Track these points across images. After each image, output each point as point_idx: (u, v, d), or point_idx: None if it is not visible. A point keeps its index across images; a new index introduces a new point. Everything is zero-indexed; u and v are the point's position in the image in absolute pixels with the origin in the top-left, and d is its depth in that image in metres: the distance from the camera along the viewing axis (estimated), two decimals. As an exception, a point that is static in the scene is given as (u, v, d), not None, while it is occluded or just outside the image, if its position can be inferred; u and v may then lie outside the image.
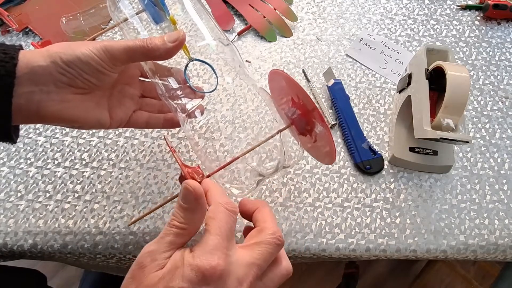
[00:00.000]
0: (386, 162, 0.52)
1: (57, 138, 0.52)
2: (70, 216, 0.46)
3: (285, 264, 0.31)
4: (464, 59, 0.62)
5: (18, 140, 0.35)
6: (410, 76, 0.51)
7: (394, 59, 0.61)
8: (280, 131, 0.39)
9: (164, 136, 0.45)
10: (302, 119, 0.39)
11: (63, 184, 0.48)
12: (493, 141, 0.54)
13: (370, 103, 0.57)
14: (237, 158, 0.37)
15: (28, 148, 0.51)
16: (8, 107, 0.30)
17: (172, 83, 0.39)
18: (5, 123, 0.31)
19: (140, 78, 0.42)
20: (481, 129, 0.55)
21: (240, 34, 0.62)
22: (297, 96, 0.38)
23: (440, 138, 0.42)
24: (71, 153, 0.51)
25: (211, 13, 0.63)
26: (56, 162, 0.50)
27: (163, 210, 0.47)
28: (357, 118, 0.54)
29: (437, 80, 0.46)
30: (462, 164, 0.52)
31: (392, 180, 0.51)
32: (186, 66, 0.38)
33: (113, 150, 0.51)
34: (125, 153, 0.51)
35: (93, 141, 0.52)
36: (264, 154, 0.42)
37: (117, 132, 0.52)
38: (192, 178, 0.32)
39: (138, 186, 0.48)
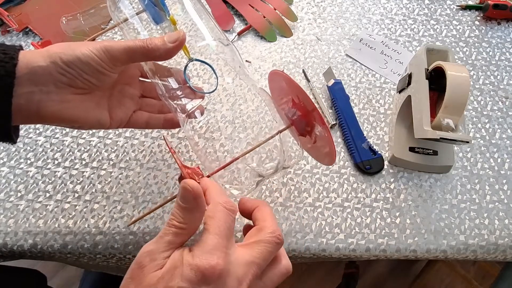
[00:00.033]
0: (386, 162, 0.52)
1: (57, 138, 0.52)
2: (70, 216, 0.46)
3: (285, 263, 0.31)
4: (464, 59, 0.62)
5: (18, 140, 0.35)
6: (410, 76, 0.51)
7: (394, 59, 0.61)
8: (280, 131, 0.39)
9: (163, 136, 0.45)
10: (302, 120, 0.39)
11: (63, 184, 0.48)
12: (493, 141, 0.54)
13: (370, 103, 0.57)
14: (237, 158, 0.37)
15: (28, 148, 0.51)
16: (8, 107, 0.30)
17: (172, 83, 0.39)
18: (5, 123, 0.31)
19: (140, 79, 0.42)
20: (481, 129, 0.55)
21: (240, 34, 0.62)
22: (297, 96, 0.38)
23: (440, 138, 0.42)
24: (71, 153, 0.51)
25: (211, 13, 0.63)
26: (56, 162, 0.50)
27: (163, 210, 0.47)
28: (357, 118, 0.54)
29: (437, 80, 0.46)
30: (462, 164, 0.52)
31: (392, 180, 0.51)
32: (186, 66, 0.38)
33: (113, 150, 0.51)
34: (125, 153, 0.51)
35: (93, 141, 0.52)
36: (264, 155, 0.42)
37: (117, 132, 0.52)
38: (191, 179, 0.32)
39: (138, 186, 0.48)
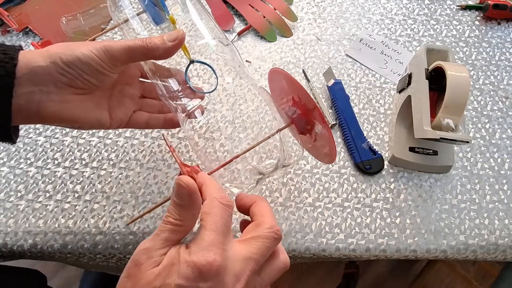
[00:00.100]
0: (386, 162, 0.52)
1: (57, 138, 0.52)
2: (70, 216, 0.46)
3: (283, 258, 0.31)
4: (464, 59, 0.62)
5: (18, 140, 0.35)
6: (410, 76, 0.51)
7: (394, 59, 0.61)
8: (280, 130, 0.39)
9: (163, 135, 0.45)
10: (302, 118, 0.39)
11: (63, 184, 0.48)
12: (493, 141, 0.54)
13: (370, 103, 0.57)
14: (237, 156, 0.37)
15: (28, 148, 0.51)
16: (8, 108, 0.30)
17: (172, 83, 0.39)
18: (5, 123, 0.31)
19: (140, 79, 0.42)
20: (481, 129, 0.55)
21: (240, 34, 0.62)
22: (297, 95, 0.38)
23: (440, 138, 0.42)
24: (71, 153, 0.51)
25: (211, 13, 0.63)
26: (56, 162, 0.50)
27: (163, 209, 0.47)
28: (357, 118, 0.54)
29: (437, 80, 0.46)
30: (462, 164, 0.52)
31: (392, 180, 0.51)
32: (187, 68, 0.38)
33: (113, 150, 0.51)
34: (125, 153, 0.51)
35: (93, 141, 0.52)
36: (264, 154, 0.42)
37: (117, 132, 0.52)
38: (190, 177, 0.32)
39: (138, 186, 0.48)
